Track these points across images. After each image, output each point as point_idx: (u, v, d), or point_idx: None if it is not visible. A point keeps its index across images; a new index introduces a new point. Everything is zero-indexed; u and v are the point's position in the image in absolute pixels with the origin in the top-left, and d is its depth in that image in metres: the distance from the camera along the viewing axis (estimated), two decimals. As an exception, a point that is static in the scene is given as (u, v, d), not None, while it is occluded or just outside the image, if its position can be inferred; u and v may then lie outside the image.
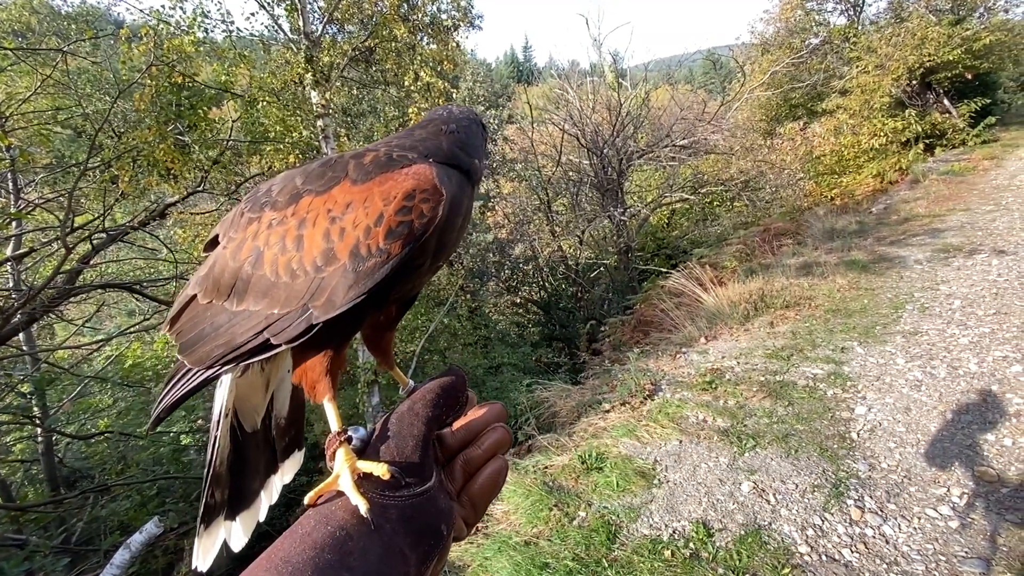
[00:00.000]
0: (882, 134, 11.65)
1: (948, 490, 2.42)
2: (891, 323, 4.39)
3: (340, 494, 0.42)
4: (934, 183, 9.57)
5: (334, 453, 0.46)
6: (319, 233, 0.48)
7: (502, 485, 0.50)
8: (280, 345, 0.48)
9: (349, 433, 0.48)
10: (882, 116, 11.84)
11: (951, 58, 11.35)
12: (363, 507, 0.40)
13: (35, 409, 5.79)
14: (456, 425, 0.51)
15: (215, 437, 0.55)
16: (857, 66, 12.35)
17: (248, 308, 0.50)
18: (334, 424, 0.49)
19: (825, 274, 5.86)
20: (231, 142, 5.67)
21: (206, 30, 5.47)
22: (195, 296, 0.55)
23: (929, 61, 11.43)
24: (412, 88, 5.73)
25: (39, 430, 5.81)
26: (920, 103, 12.44)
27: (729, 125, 11.91)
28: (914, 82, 12.04)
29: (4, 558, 3.75)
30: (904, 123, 11.74)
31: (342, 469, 0.44)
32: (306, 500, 0.44)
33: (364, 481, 0.43)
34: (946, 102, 12.51)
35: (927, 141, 12.07)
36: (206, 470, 0.56)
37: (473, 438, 0.49)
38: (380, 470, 0.42)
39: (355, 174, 0.51)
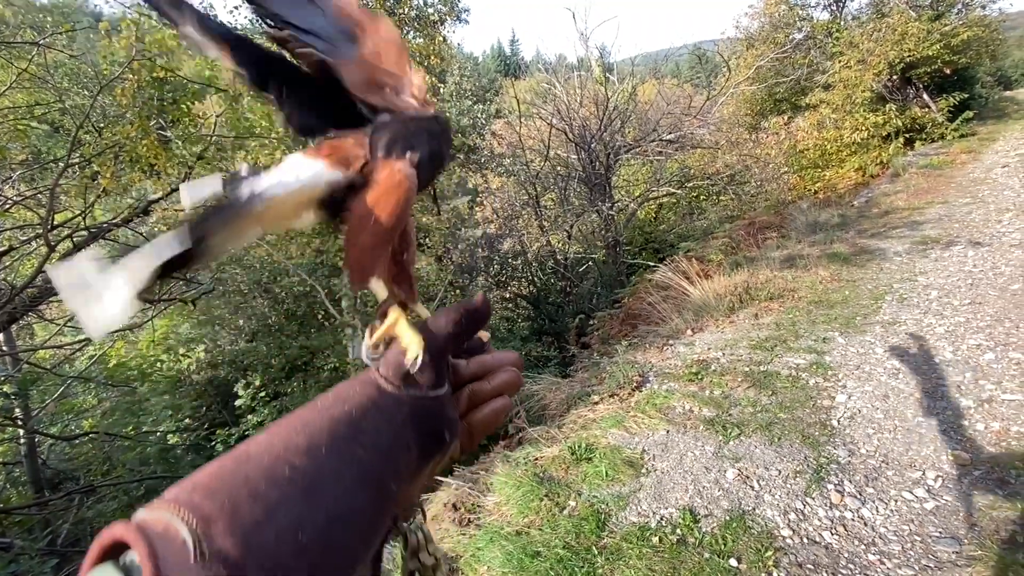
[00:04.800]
0: (864, 128, 11.85)
1: (924, 473, 2.51)
2: (871, 313, 4.50)
3: (366, 374, 0.43)
4: (914, 177, 9.77)
5: (386, 312, 0.46)
6: None
7: (503, 421, 0.51)
8: None
9: None
10: (864, 111, 12.04)
11: (931, 53, 11.57)
12: (416, 346, 0.41)
13: (17, 410, 5.69)
14: (472, 361, 0.51)
15: None
16: (839, 61, 12.53)
17: None
18: (384, 294, 0.48)
19: (808, 266, 5.98)
20: (215, 137, 5.59)
21: (188, 24, 5.37)
22: None
23: (909, 56, 11.64)
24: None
25: (22, 431, 5.71)
26: (901, 98, 12.66)
27: (715, 119, 12.00)
28: (895, 77, 12.25)
29: (-11, 560, 3.71)
30: (885, 117, 11.95)
31: (397, 316, 0.45)
32: (365, 345, 0.44)
33: (387, 371, 0.43)
34: (926, 97, 12.75)
35: (907, 135, 12.30)
36: None
37: (484, 374, 0.50)
38: (417, 340, 0.43)
39: None
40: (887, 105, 12.17)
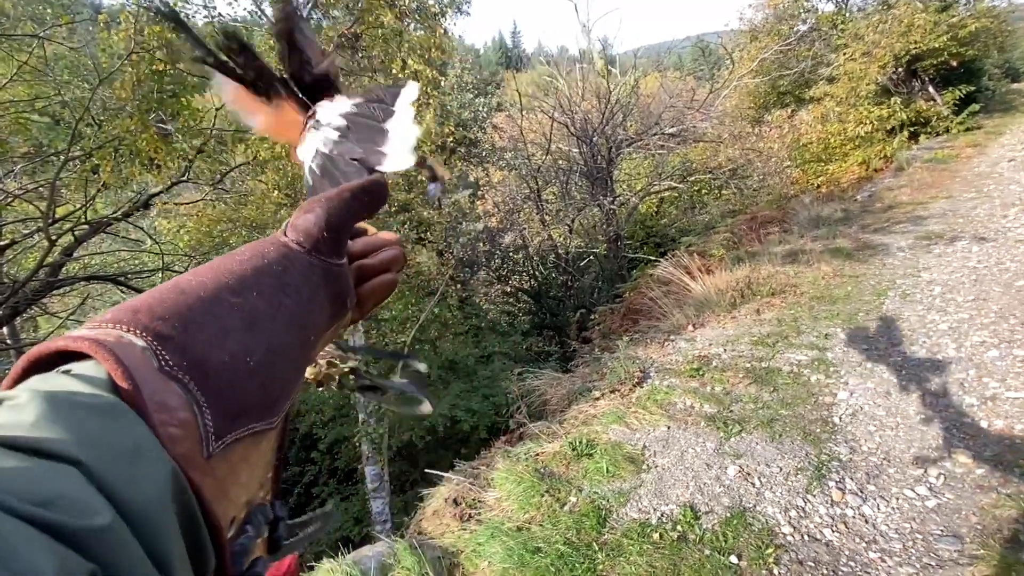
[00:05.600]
0: (868, 122, 11.73)
1: (925, 471, 2.51)
2: (873, 309, 4.48)
3: (275, 239, 0.44)
4: (918, 171, 9.70)
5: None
6: None
7: (388, 295, 0.54)
8: None
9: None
10: (868, 104, 11.92)
11: (937, 45, 11.41)
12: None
13: (21, 404, 5.70)
14: (357, 241, 0.54)
15: None
16: (844, 53, 12.39)
17: None
18: None
19: (810, 262, 5.95)
20: (215, 131, 5.57)
21: (187, 15, 5.33)
22: None
23: (915, 48, 11.49)
24: (400, 76, 5.65)
25: (25, 424, 5.73)
26: (906, 90, 12.52)
27: (717, 113, 11.92)
28: (900, 69, 12.10)
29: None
30: (889, 111, 11.82)
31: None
32: None
33: (297, 236, 0.44)
34: (931, 89, 12.61)
35: (912, 129, 12.17)
36: None
37: (369, 252, 0.53)
38: None
39: None
40: (892, 98, 12.03)
